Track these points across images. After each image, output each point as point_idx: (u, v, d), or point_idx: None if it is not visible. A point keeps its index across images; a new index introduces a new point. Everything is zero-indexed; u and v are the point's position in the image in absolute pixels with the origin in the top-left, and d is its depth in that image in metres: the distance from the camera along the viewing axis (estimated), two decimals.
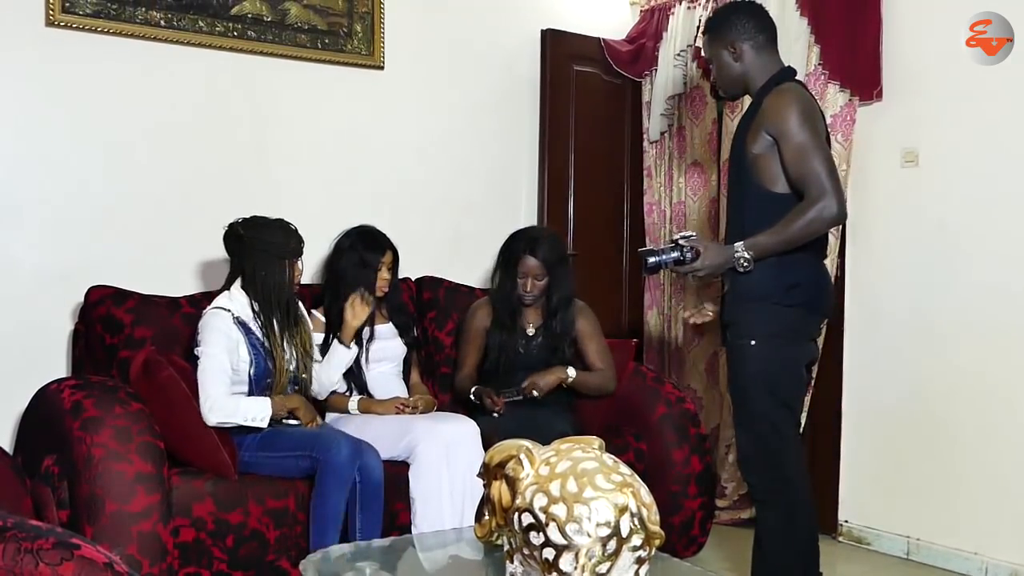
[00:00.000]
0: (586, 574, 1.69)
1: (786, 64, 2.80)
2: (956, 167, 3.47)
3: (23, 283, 3.26)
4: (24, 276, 3.26)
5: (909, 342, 3.61)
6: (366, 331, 3.33)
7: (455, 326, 3.71)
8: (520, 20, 4.31)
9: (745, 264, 2.60)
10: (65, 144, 3.33)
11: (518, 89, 4.32)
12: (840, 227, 3.59)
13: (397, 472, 2.95)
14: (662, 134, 4.39)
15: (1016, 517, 3.31)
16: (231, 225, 3.06)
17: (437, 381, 3.67)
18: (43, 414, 2.81)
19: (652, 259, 2.63)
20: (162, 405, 2.80)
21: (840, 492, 3.83)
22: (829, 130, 3.11)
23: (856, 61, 3.64)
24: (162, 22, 3.45)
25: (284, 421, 2.99)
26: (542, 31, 4.33)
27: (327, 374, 3.21)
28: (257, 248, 3.00)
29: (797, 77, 2.80)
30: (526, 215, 4.34)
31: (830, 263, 3.37)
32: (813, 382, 3.54)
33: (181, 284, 3.45)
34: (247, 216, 3.08)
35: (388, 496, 2.88)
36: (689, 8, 4.18)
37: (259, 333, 2.99)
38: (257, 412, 2.89)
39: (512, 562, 1.87)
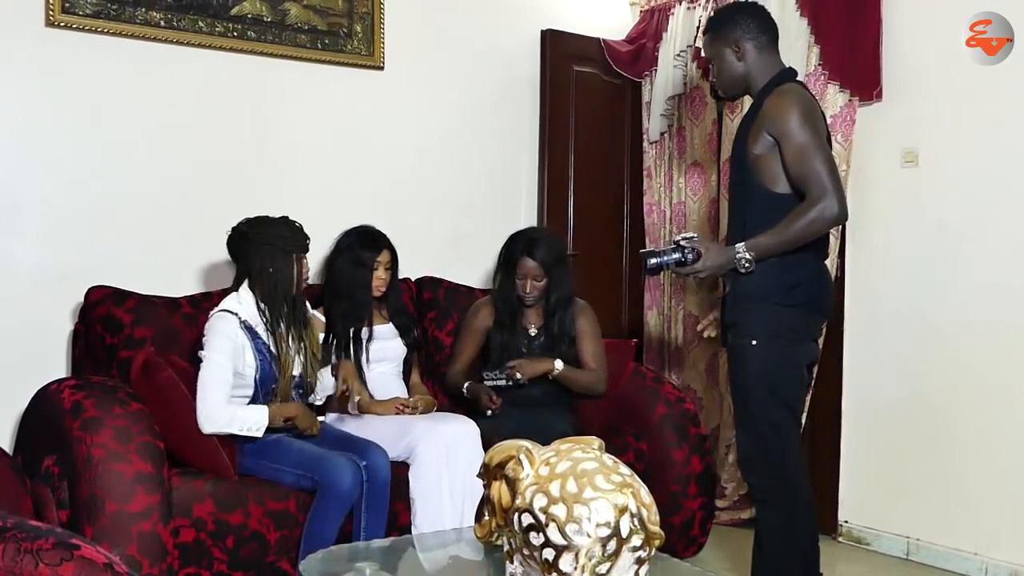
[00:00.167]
0: (586, 574, 1.69)
1: (786, 64, 2.80)
2: (956, 167, 3.47)
3: (23, 283, 3.26)
4: (24, 276, 3.26)
5: (909, 342, 3.61)
6: (365, 331, 3.33)
7: (455, 326, 3.70)
8: (520, 20, 4.31)
9: (747, 265, 2.60)
10: (65, 144, 3.33)
11: (518, 89, 4.31)
12: (840, 227, 3.59)
13: (397, 472, 2.94)
14: (662, 134, 4.39)
15: (1016, 517, 3.31)
16: (235, 227, 3.02)
17: (437, 381, 3.66)
18: (43, 414, 2.81)
19: (653, 260, 2.63)
20: (162, 405, 2.80)
21: (840, 492, 3.83)
22: (829, 130, 3.11)
23: (856, 61, 3.64)
24: (162, 22, 3.45)
25: (284, 422, 2.97)
26: (542, 31, 4.33)
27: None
28: (263, 244, 2.95)
29: (798, 78, 2.80)
30: (526, 215, 4.34)
31: (830, 263, 3.37)
32: (813, 382, 3.54)
33: (181, 284, 3.45)
34: (251, 217, 3.04)
35: (388, 496, 2.88)
36: (689, 8, 4.18)
37: (265, 337, 2.95)
38: (253, 422, 2.85)
39: (512, 562, 1.87)
